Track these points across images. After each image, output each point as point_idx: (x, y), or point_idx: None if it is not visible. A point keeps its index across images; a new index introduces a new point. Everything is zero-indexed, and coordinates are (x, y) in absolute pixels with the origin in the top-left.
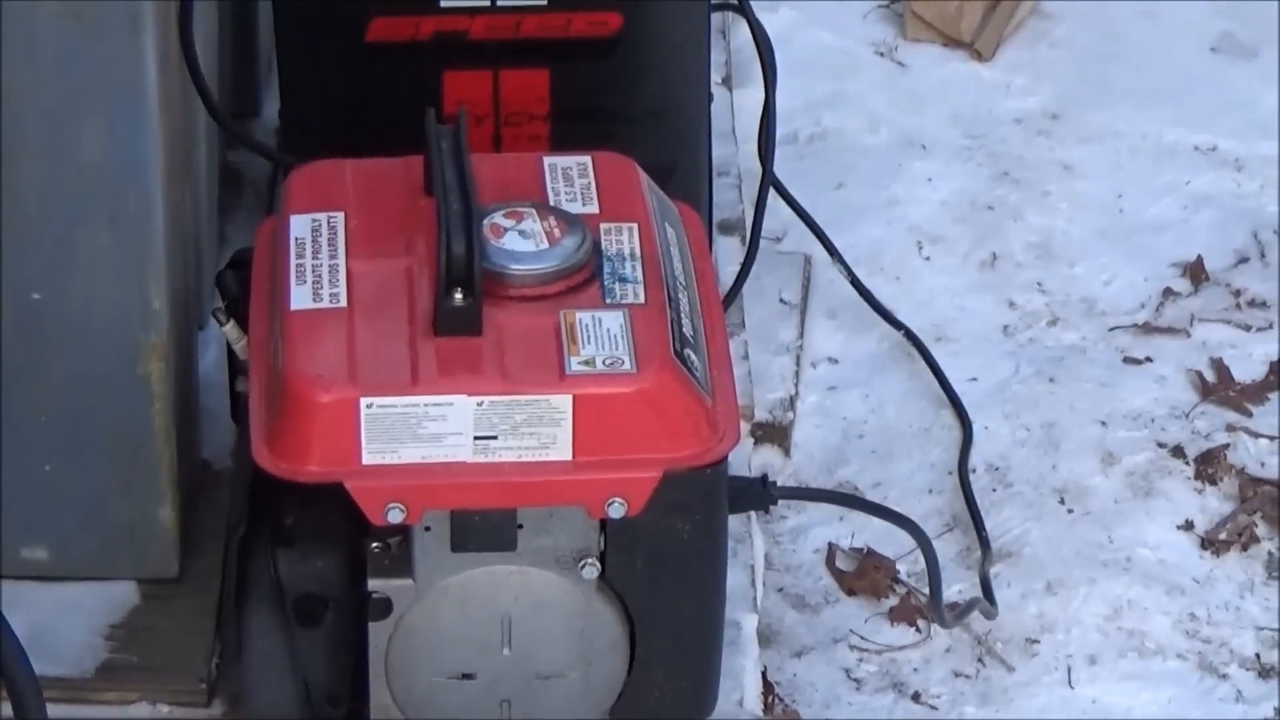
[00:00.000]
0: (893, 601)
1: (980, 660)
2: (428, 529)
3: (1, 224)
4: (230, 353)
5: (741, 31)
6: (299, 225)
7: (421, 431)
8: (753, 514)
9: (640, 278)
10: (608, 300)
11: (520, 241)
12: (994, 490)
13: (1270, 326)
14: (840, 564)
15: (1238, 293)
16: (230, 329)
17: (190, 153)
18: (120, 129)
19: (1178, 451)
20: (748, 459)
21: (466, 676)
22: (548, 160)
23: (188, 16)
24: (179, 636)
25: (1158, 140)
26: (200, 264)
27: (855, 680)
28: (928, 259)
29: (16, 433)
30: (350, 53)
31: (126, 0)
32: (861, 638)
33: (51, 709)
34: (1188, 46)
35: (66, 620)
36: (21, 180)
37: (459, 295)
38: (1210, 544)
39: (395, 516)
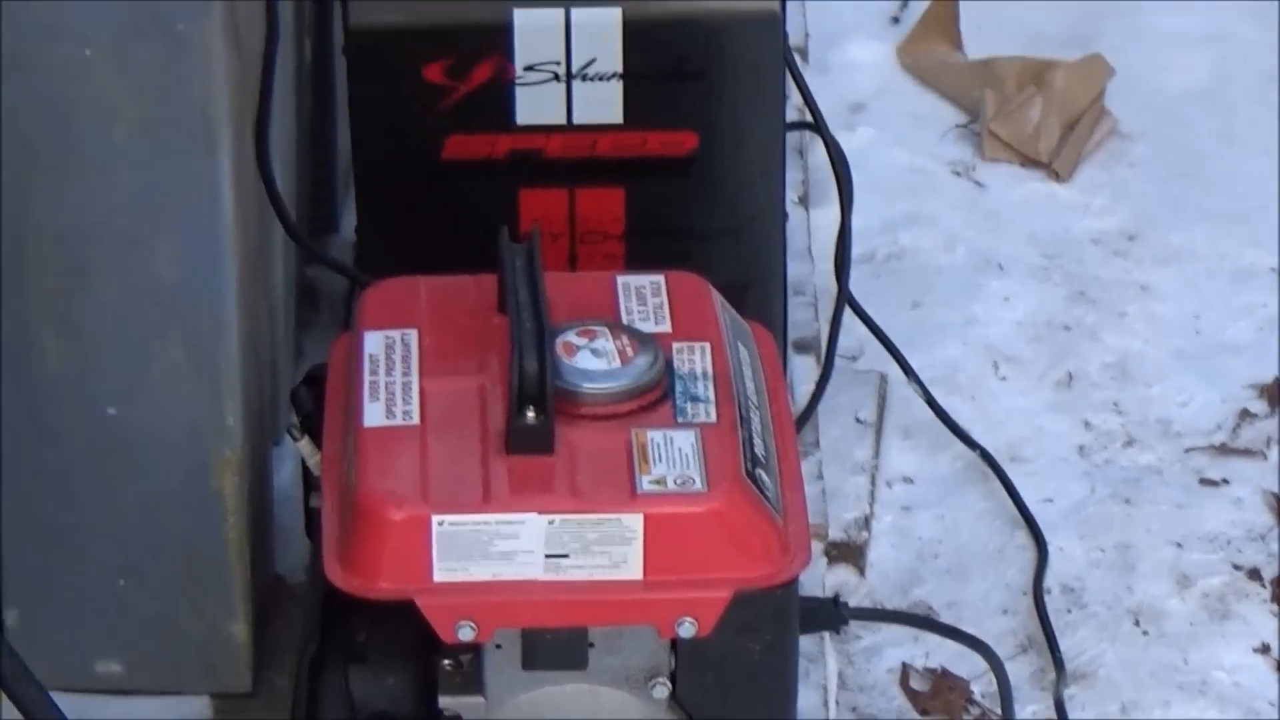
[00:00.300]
0: None
1: None
2: (499, 646)
3: (79, 339)
4: (305, 468)
5: (819, 150)
6: (373, 342)
7: (493, 549)
8: (826, 634)
9: (712, 397)
10: (679, 419)
11: (593, 360)
12: (1069, 611)
13: None
14: (914, 684)
15: None
16: (304, 445)
17: (266, 269)
18: (195, 247)
19: (1254, 574)
20: (822, 578)
21: None
22: (621, 279)
23: (264, 134)
24: None
25: (1235, 261)
26: (276, 379)
27: None
28: (1004, 379)
29: (91, 546)
30: (427, 170)
31: (202, 118)
32: None
33: None
34: (1266, 168)
35: None
36: (97, 296)
37: (531, 413)
38: None
39: (466, 634)
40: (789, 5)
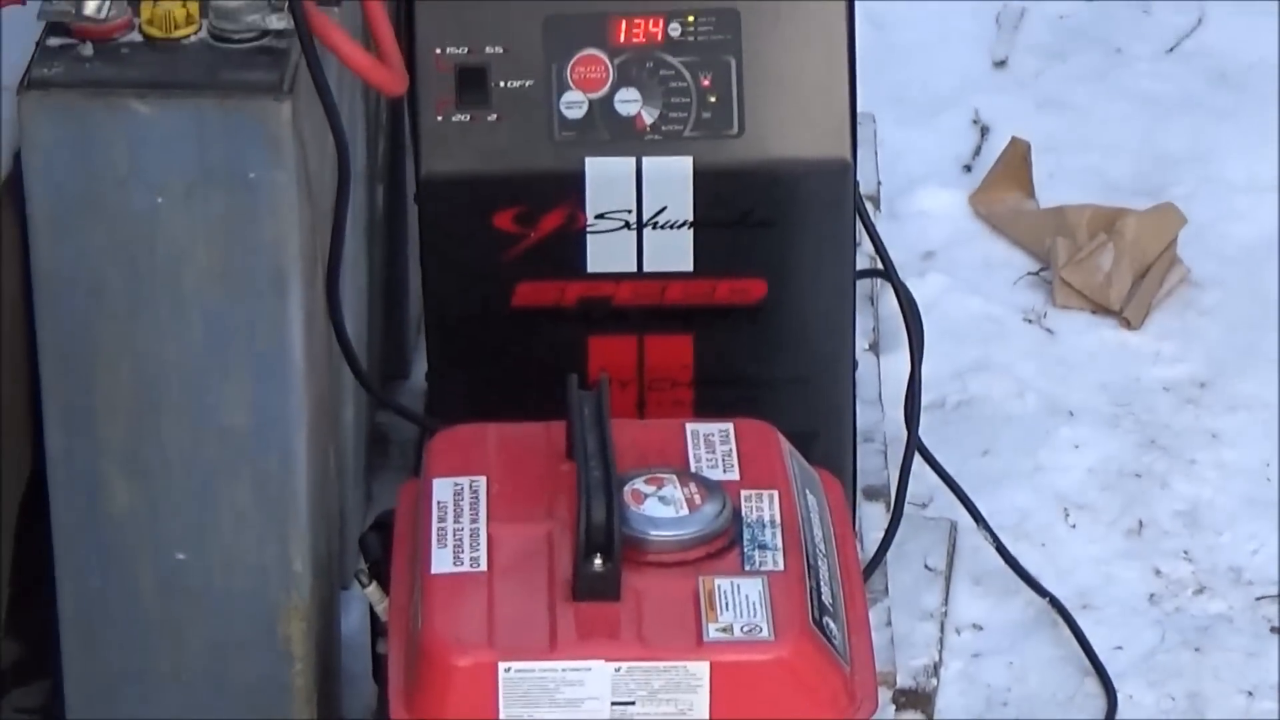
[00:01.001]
0: None
1: None
2: None
3: (147, 482)
4: (372, 614)
5: (889, 297)
6: (441, 489)
7: (559, 696)
8: None
9: (780, 545)
10: (747, 567)
11: (661, 508)
12: None
13: None
14: None
15: None
16: (372, 591)
17: (336, 414)
18: (265, 392)
19: None
20: None
21: None
22: (690, 426)
23: (335, 281)
24: None
25: None
26: (344, 525)
27: None
28: (1073, 526)
29: (158, 692)
30: (497, 317)
31: (273, 264)
32: None
33: None
34: None
35: None
36: (166, 440)
37: (598, 561)
38: None
39: None
40: (861, 153)
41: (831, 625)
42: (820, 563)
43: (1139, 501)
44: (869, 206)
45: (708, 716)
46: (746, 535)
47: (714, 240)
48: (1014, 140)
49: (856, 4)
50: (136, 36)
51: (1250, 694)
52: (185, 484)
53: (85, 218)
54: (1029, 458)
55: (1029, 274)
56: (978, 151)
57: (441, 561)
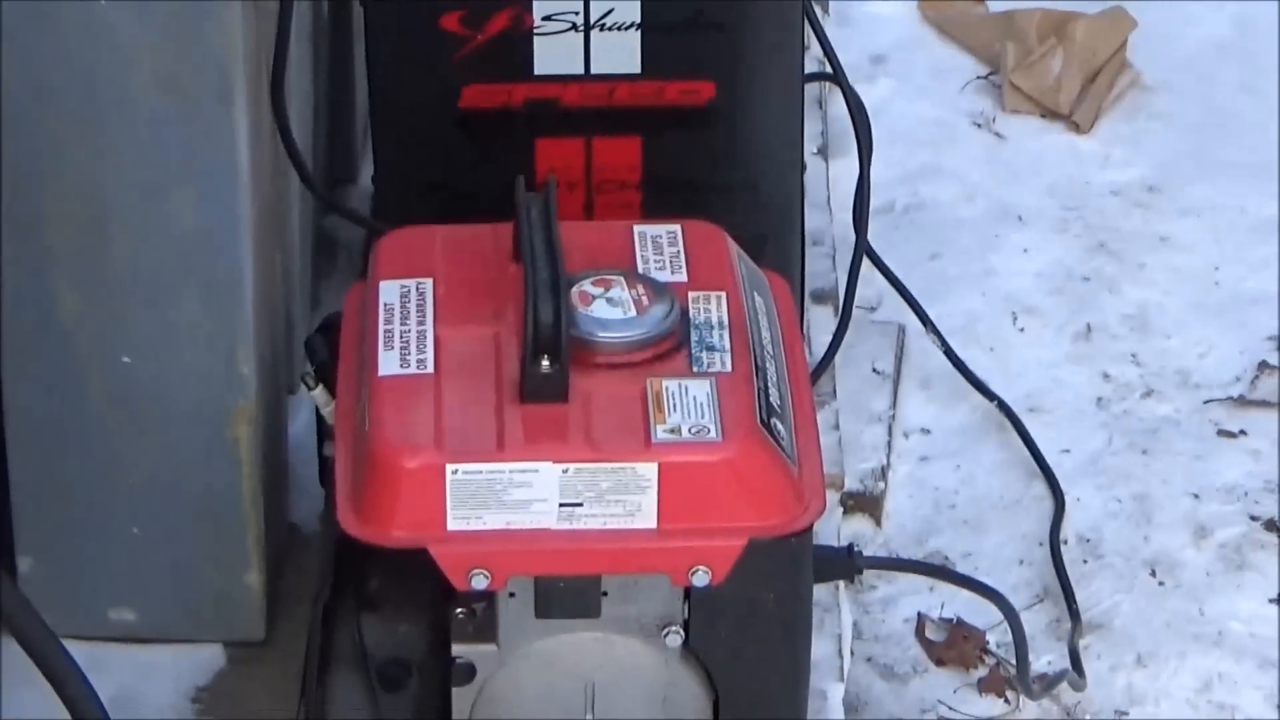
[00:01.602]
0: (982, 673)
1: None
2: (512, 595)
3: (95, 289)
4: (319, 418)
5: (838, 102)
6: (388, 291)
7: (507, 498)
8: (841, 583)
9: (728, 346)
10: (695, 369)
11: (608, 309)
12: (1085, 562)
13: None
14: (930, 634)
15: None
16: (318, 394)
17: (283, 220)
18: (212, 198)
19: (1271, 525)
20: (837, 528)
21: None
22: (637, 228)
23: (280, 85)
24: (265, 700)
25: (1255, 214)
26: (291, 329)
27: None
28: (1022, 330)
29: (105, 495)
30: (444, 120)
31: (219, 69)
32: (950, 708)
33: None
34: None
35: (153, 683)
36: (113, 247)
37: (545, 362)
38: None
39: (480, 583)
40: None
41: (779, 427)
42: (768, 364)
43: (1088, 305)
44: (818, 10)
45: (655, 517)
46: (694, 337)
47: (662, 42)
48: None
49: None
50: None
51: (1197, 497)
52: (133, 291)
53: (31, 23)
54: (978, 262)
55: (978, 78)
56: None
57: (388, 364)
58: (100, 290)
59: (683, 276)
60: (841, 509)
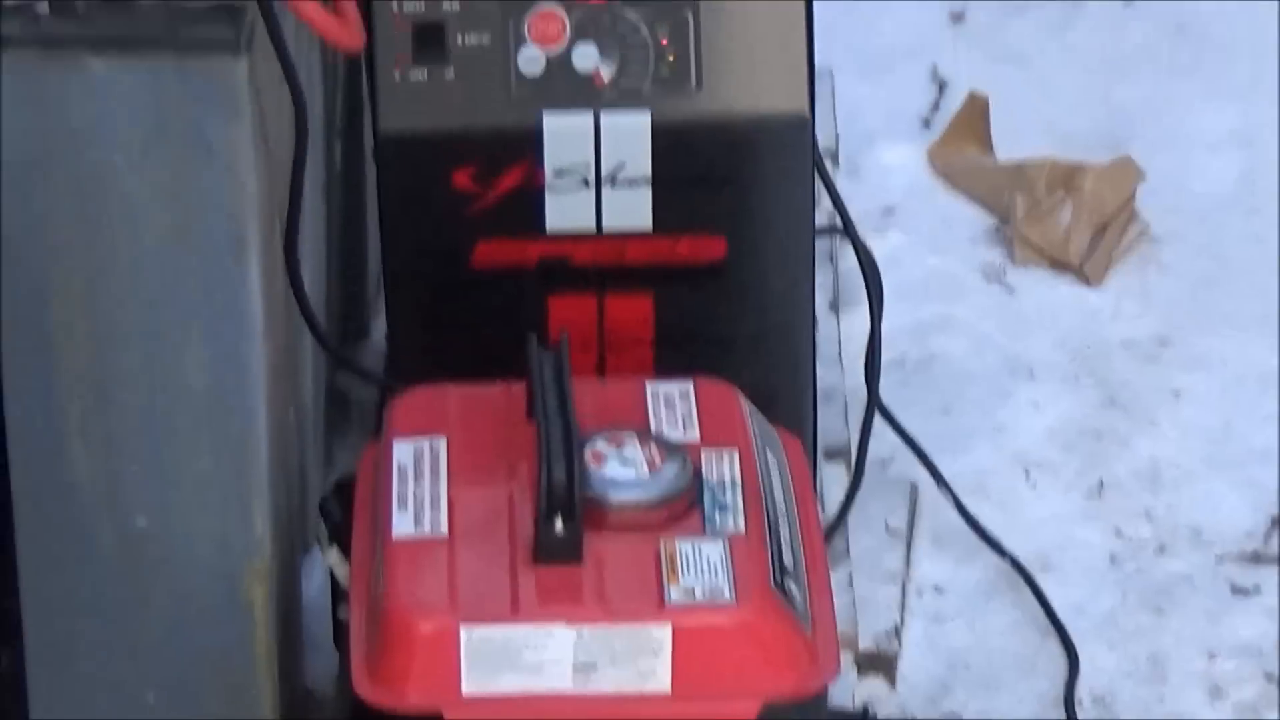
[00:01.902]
0: None
1: None
2: None
3: (106, 448)
4: (333, 579)
5: (849, 254)
6: (402, 451)
7: (521, 660)
8: None
9: (740, 506)
10: (708, 529)
11: (621, 469)
12: None
13: None
14: None
15: None
16: (333, 555)
17: (296, 376)
18: (224, 354)
19: None
20: (852, 689)
21: None
22: (650, 386)
23: (293, 240)
24: None
25: (1265, 366)
26: (305, 487)
27: None
28: (1034, 486)
29: (119, 659)
30: (456, 276)
31: (230, 224)
32: None
33: None
34: None
35: None
36: (125, 404)
37: (559, 523)
38: None
39: None
40: (819, 108)
41: (793, 587)
42: (781, 524)
43: (1099, 460)
44: (828, 162)
45: (669, 680)
46: (707, 496)
47: (673, 198)
48: (972, 95)
49: None
50: None
51: (1212, 655)
52: (144, 448)
53: (43, 176)
54: (989, 416)
55: (988, 230)
56: (936, 106)
57: (402, 525)
58: (111, 447)
59: (695, 434)
60: (856, 669)
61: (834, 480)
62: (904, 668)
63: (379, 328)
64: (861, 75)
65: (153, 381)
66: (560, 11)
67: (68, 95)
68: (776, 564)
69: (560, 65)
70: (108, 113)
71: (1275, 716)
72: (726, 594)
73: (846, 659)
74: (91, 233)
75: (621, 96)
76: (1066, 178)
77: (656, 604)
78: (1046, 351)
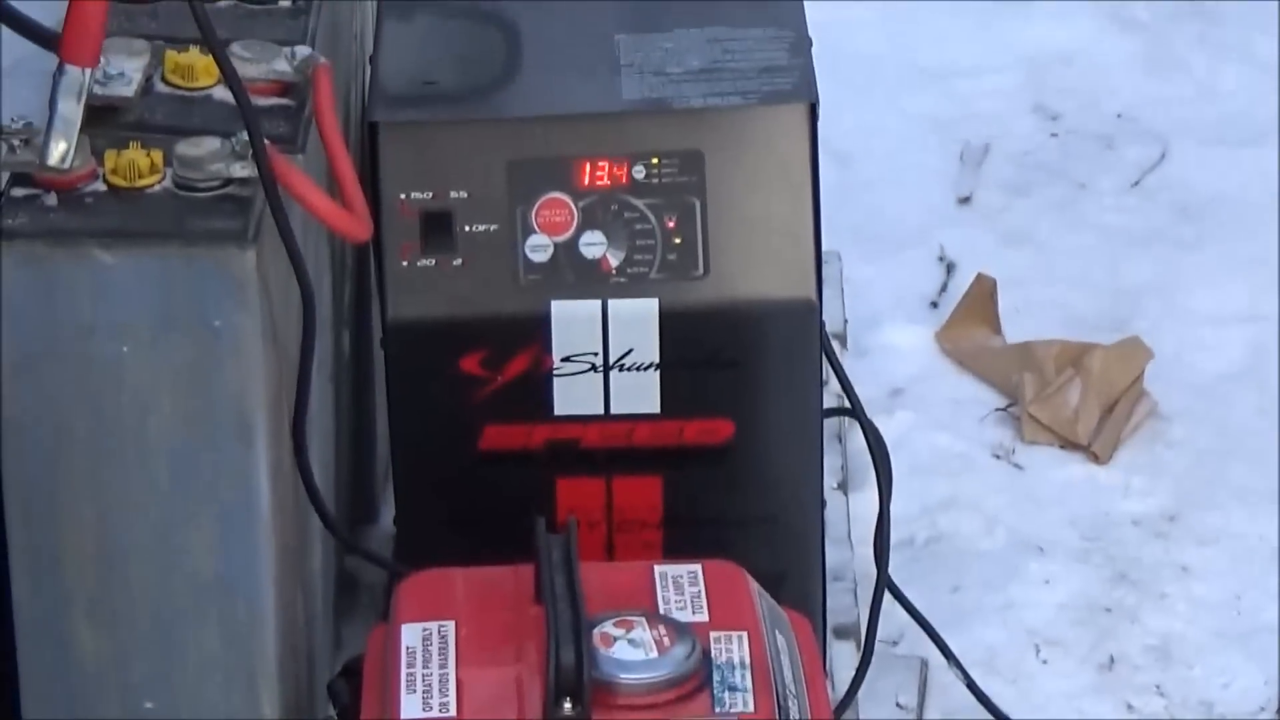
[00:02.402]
0: None
1: None
2: None
3: (114, 630)
4: None
5: (858, 435)
6: (410, 634)
7: None
8: None
9: (750, 686)
10: (717, 709)
11: (630, 650)
12: None
13: None
14: None
15: None
16: None
17: (304, 560)
18: (232, 539)
19: None
20: None
21: None
22: (658, 568)
23: (301, 427)
24: None
25: (1274, 541)
26: (313, 670)
27: None
28: (1045, 662)
29: None
30: (464, 461)
31: (238, 411)
32: None
33: None
34: None
35: None
36: (131, 587)
37: (568, 706)
38: None
39: None
40: (827, 291)
41: None
42: (791, 704)
43: (1110, 636)
44: (835, 344)
45: None
46: (716, 677)
47: (681, 381)
48: (979, 276)
49: (821, 143)
50: (101, 186)
51: None
52: (152, 632)
53: (51, 366)
54: (999, 593)
55: (997, 410)
56: (944, 288)
57: (411, 708)
58: (119, 630)
59: (704, 616)
60: None
61: (844, 658)
62: None
63: (388, 512)
64: (869, 257)
65: (161, 564)
66: (568, 200)
67: (76, 287)
68: None
69: (568, 253)
70: (116, 304)
71: None
72: None
73: None
74: (100, 421)
75: (629, 283)
76: (1075, 357)
77: None
78: (1056, 529)
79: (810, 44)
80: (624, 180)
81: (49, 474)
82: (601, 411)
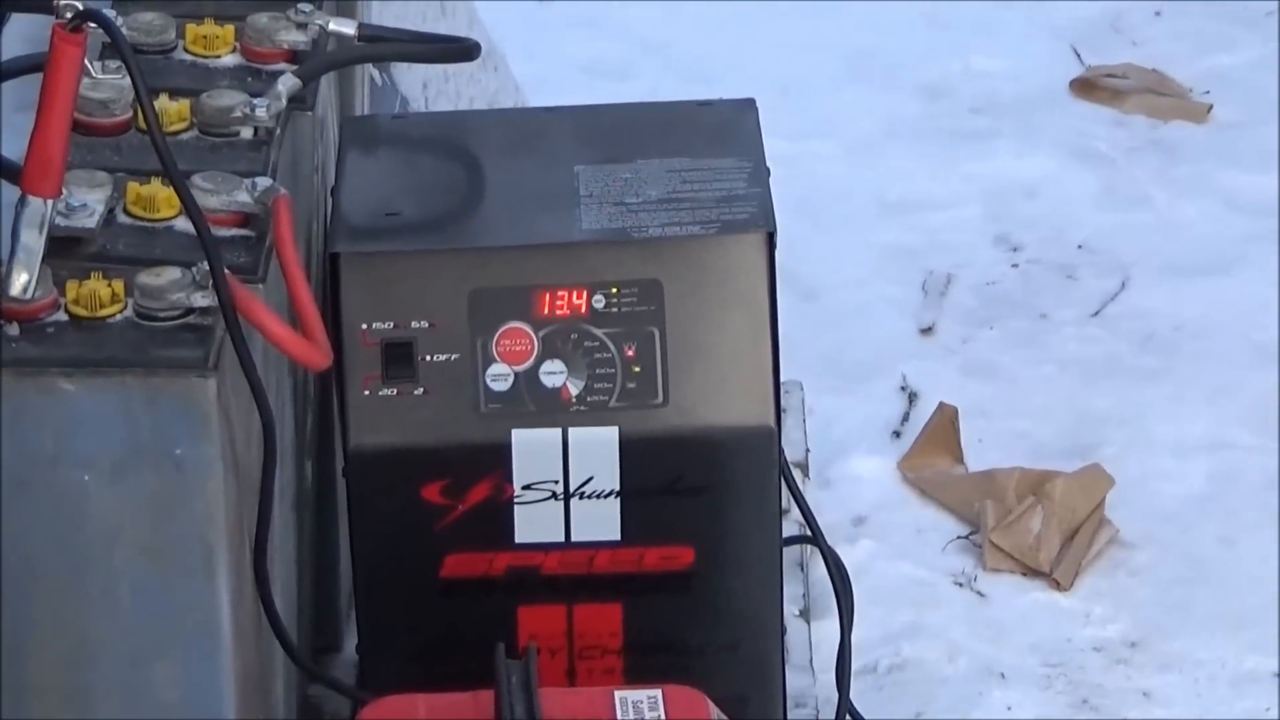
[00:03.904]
0: None
1: None
2: None
3: None
4: None
5: (820, 563)
6: None
7: None
8: None
9: None
10: None
11: None
12: None
13: None
14: None
15: None
16: None
17: (267, 689)
18: (195, 669)
19: None
20: None
21: None
22: (619, 693)
23: (263, 556)
24: None
25: (1236, 668)
26: None
27: None
28: None
29: None
30: (426, 589)
31: (201, 541)
32: None
33: None
34: (1265, 573)
35: None
36: (96, 716)
37: None
38: None
39: None
40: (789, 421)
41: None
42: None
43: None
44: (798, 473)
45: None
46: None
47: (641, 508)
48: (941, 406)
49: (786, 276)
50: (62, 316)
51: None
52: None
53: (14, 496)
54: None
55: (959, 538)
56: (906, 418)
57: None
58: None
59: None
60: None
61: None
62: None
63: (351, 640)
64: (832, 387)
65: (125, 693)
66: (528, 329)
67: (40, 417)
68: None
69: (528, 382)
70: (79, 434)
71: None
72: None
73: None
74: (64, 550)
75: (589, 411)
76: (1036, 485)
77: None
78: (1018, 656)
79: (768, 174)
80: (583, 310)
81: (14, 606)
82: (562, 539)
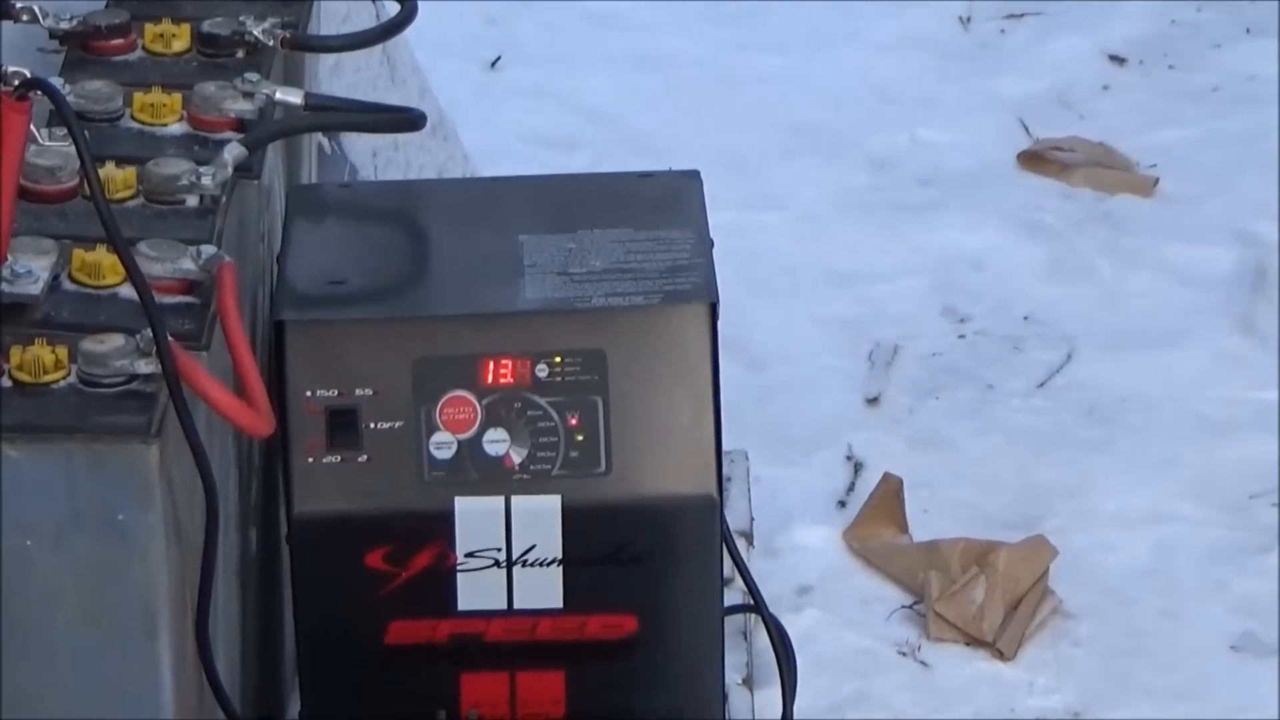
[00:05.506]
0: None
1: None
2: None
3: None
4: None
5: (764, 632)
6: None
7: None
8: None
9: None
10: None
11: None
12: None
13: None
14: None
15: None
16: None
17: None
18: None
19: None
20: None
21: None
22: None
23: (204, 623)
24: None
25: None
26: None
27: None
28: None
29: None
30: (370, 656)
31: (143, 607)
32: None
33: None
34: (1209, 644)
35: None
36: None
37: None
38: None
39: None
40: (734, 490)
41: None
42: None
43: None
44: (743, 542)
45: None
46: None
47: (584, 576)
48: (886, 477)
49: (732, 346)
50: (6, 382)
51: None
52: None
53: None
54: None
55: (903, 607)
56: (851, 488)
57: None
58: None
59: None
60: None
61: None
62: None
63: (294, 707)
64: (779, 457)
65: None
66: (472, 398)
67: None
68: None
69: (471, 450)
70: (22, 499)
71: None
72: None
73: None
74: (5, 614)
75: (532, 480)
76: (980, 556)
77: None
78: None
79: (712, 244)
80: (527, 379)
81: None
82: (505, 607)
